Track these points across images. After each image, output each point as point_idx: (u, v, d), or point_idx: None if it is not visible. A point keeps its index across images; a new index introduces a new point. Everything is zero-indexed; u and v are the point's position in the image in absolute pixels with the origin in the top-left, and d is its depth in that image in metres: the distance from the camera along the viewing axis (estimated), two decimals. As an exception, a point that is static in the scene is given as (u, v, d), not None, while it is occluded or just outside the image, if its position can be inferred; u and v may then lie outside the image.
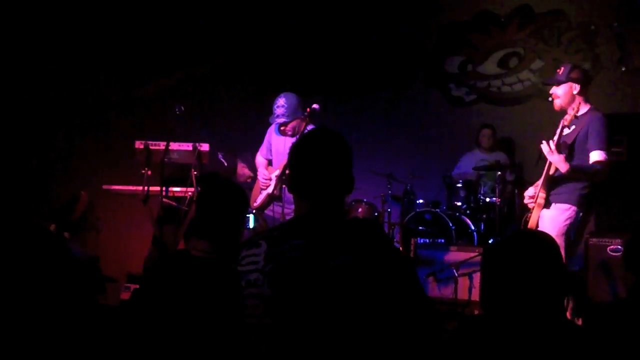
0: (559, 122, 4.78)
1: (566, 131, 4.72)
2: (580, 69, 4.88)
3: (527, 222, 4.92)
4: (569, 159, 4.61)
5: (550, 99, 4.87)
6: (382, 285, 1.99)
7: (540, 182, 4.77)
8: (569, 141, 4.65)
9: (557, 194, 4.68)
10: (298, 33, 8.20)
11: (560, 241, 4.54)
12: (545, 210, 4.70)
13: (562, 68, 4.81)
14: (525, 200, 4.91)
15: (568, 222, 4.63)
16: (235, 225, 2.78)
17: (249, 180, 6.42)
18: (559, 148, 4.61)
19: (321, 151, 2.17)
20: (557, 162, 4.57)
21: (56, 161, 7.54)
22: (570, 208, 4.64)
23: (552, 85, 4.83)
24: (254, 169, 6.35)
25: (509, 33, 7.92)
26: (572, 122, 4.71)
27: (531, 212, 4.87)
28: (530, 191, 4.88)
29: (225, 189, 2.81)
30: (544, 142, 4.61)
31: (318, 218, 2.12)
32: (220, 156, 6.06)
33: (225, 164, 6.02)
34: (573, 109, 4.60)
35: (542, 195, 4.69)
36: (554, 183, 4.67)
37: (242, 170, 6.43)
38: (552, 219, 4.64)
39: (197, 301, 2.51)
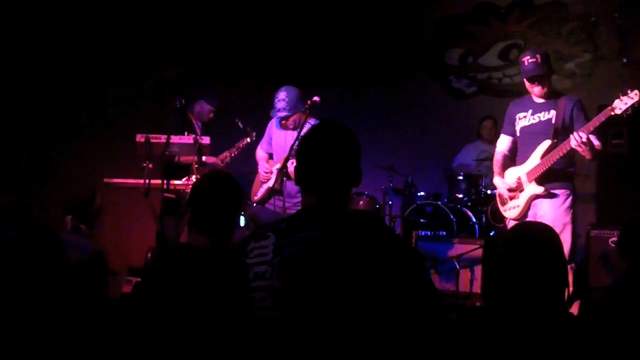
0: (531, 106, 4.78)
1: (545, 116, 4.68)
2: (546, 52, 4.82)
3: (494, 212, 4.90)
4: (558, 143, 4.56)
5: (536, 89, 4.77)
6: (392, 277, 1.98)
7: (523, 171, 4.72)
8: (559, 125, 4.60)
9: (552, 182, 4.63)
10: (297, 26, 8.18)
11: (570, 229, 4.55)
12: (543, 201, 4.65)
13: (538, 57, 4.63)
14: (504, 192, 4.87)
15: (572, 210, 4.60)
16: (233, 219, 2.79)
17: (211, 115, 6.44)
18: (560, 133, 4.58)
19: (329, 144, 2.16)
20: (585, 151, 4.41)
21: (56, 156, 7.55)
22: (569, 194, 4.63)
23: (538, 77, 4.66)
24: (213, 104, 6.41)
25: (509, 25, 7.91)
26: (544, 106, 4.70)
27: (504, 203, 4.89)
28: (507, 183, 4.83)
29: (220, 184, 2.80)
30: (577, 133, 4.40)
31: (326, 210, 2.11)
32: (237, 120, 6.10)
33: (241, 126, 6.06)
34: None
35: (536, 186, 4.63)
36: (550, 173, 4.61)
37: (201, 106, 6.44)
38: (555, 209, 4.59)
39: (199, 293, 2.51)
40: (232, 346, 2.22)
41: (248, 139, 6.08)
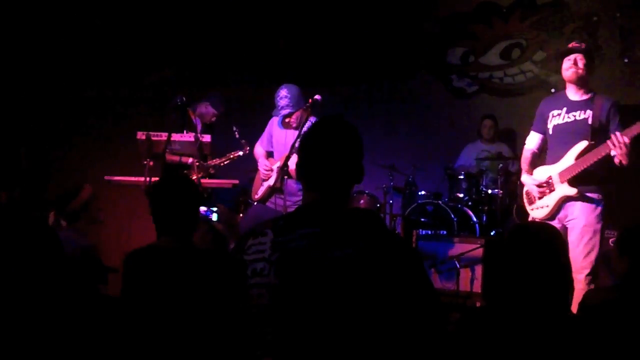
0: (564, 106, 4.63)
1: (581, 115, 4.52)
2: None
3: (520, 210, 4.78)
4: (596, 144, 4.41)
5: (559, 76, 4.65)
6: (390, 275, 1.98)
7: (555, 171, 4.55)
8: (596, 126, 4.47)
9: (586, 185, 4.46)
10: (299, 24, 8.18)
11: (599, 237, 4.42)
12: (576, 204, 4.48)
13: (583, 44, 4.59)
14: (533, 190, 4.68)
15: (603, 218, 4.46)
16: (193, 218, 2.81)
17: (213, 119, 6.38)
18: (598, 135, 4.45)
19: (331, 140, 2.15)
20: (623, 155, 4.24)
21: (57, 153, 7.55)
22: (601, 200, 4.47)
23: (578, 51, 4.56)
24: (218, 109, 6.33)
25: (511, 24, 7.90)
26: (579, 104, 4.57)
27: (532, 202, 4.75)
28: (536, 180, 4.65)
29: (176, 186, 2.83)
30: (617, 134, 4.25)
31: (326, 207, 2.11)
32: (235, 129, 6.00)
33: (237, 136, 5.98)
34: (583, 94, 4.56)
35: (569, 187, 4.46)
36: (584, 175, 4.45)
37: (206, 108, 6.38)
38: (587, 215, 4.44)
39: (182, 292, 2.53)
40: (230, 343, 2.22)
41: (240, 152, 6.00)
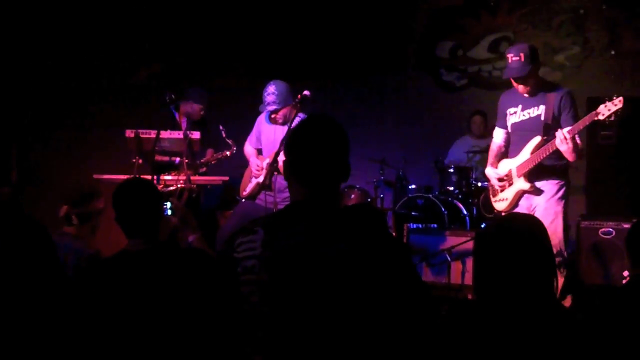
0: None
1: (535, 112, 4.61)
2: (532, 46, 4.69)
3: (486, 203, 4.90)
4: (549, 139, 4.50)
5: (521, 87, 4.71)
6: (379, 272, 1.99)
7: (514, 165, 4.69)
8: (549, 121, 4.55)
9: (541, 179, 4.61)
10: (287, 18, 8.16)
11: (561, 218, 4.54)
12: (533, 196, 4.64)
13: (522, 55, 4.50)
14: (495, 183, 4.85)
15: (564, 199, 4.58)
16: (157, 217, 2.82)
17: (202, 113, 6.33)
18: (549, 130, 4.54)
19: (319, 137, 2.15)
20: (568, 151, 4.36)
21: (46, 151, 7.53)
22: (562, 185, 4.60)
23: (521, 78, 4.57)
24: (203, 102, 6.30)
25: (499, 17, 7.93)
26: (533, 101, 4.63)
27: (495, 194, 4.89)
28: (498, 173, 4.81)
29: (137, 190, 2.83)
30: (562, 132, 4.34)
31: (315, 205, 2.11)
32: (221, 128, 5.95)
33: (224, 135, 5.94)
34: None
35: (524, 182, 4.61)
36: (538, 169, 4.58)
37: (191, 107, 6.35)
38: (547, 199, 4.58)
39: (168, 293, 2.54)
40: (220, 340, 2.23)
41: (227, 152, 5.98)
